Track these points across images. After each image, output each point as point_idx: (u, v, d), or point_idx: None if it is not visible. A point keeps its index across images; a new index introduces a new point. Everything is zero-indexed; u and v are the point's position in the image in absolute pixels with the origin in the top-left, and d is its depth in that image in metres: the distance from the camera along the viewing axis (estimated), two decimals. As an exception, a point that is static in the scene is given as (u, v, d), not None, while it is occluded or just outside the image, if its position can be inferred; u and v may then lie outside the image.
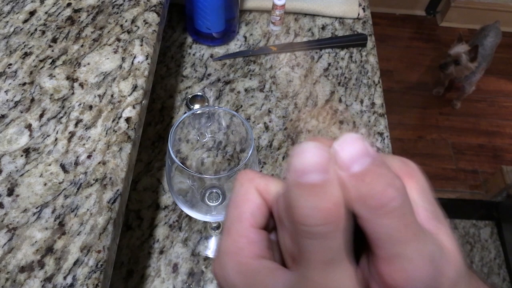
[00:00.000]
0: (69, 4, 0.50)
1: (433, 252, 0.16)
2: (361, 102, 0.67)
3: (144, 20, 0.50)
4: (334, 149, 0.16)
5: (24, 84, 0.43)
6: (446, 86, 1.87)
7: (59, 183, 0.38)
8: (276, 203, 0.19)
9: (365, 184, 0.15)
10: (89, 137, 0.41)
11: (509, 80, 1.98)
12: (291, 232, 0.17)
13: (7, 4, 0.49)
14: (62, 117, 0.42)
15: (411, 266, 0.15)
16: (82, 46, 0.47)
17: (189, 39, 0.72)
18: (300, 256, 0.16)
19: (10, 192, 0.36)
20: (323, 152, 0.15)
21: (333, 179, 0.15)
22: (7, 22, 0.48)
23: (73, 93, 0.43)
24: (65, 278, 0.33)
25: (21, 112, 0.41)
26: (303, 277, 0.16)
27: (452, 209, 1.57)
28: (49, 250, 0.34)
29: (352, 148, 0.15)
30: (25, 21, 0.48)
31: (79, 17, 0.49)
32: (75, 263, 0.34)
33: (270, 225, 0.20)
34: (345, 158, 0.15)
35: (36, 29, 0.47)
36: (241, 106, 0.65)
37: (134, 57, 0.47)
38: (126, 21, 0.50)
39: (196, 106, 0.63)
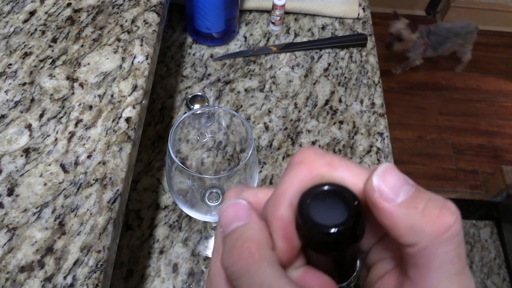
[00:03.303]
0: (69, 4, 0.50)
1: None
2: (361, 102, 0.67)
3: (144, 20, 0.50)
4: (374, 183, 0.15)
5: (24, 84, 0.43)
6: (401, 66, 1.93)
7: (59, 183, 0.38)
8: (264, 208, 0.19)
9: (418, 211, 0.14)
10: (89, 137, 0.41)
11: (509, 80, 1.98)
12: None
13: (7, 4, 0.49)
14: (62, 117, 0.42)
15: None
16: (82, 46, 0.47)
17: (189, 39, 0.72)
18: None
19: (10, 192, 0.36)
20: (238, 205, 0.17)
21: (252, 222, 0.17)
22: (7, 22, 0.48)
23: (73, 93, 0.43)
24: (65, 278, 0.33)
25: (21, 112, 0.41)
26: None
27: (452, 209, 1.57)
28: (49, 250, 0.34)
29: (392, 178, 0.15)
30: (25, 21, 0.48)
31: (79, 17, 0.49)
32: (75, 263, 0.34)
33: None
34: (389, 189, 0.15)
35: (36, 29, 0.47)
36: (241, 106, 0.65)
37: (134, 57, 0.47)
38: (126, 21, 0.50)
39: (196, 106, 0.63)
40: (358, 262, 0.19)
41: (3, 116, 0.41)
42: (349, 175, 0.17)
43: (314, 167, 0.17)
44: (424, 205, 0.15)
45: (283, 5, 0.71)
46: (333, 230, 0.16)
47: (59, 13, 0.49)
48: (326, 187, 0.17)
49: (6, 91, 0.42)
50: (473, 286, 0.15)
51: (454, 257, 0.14)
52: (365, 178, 0.16)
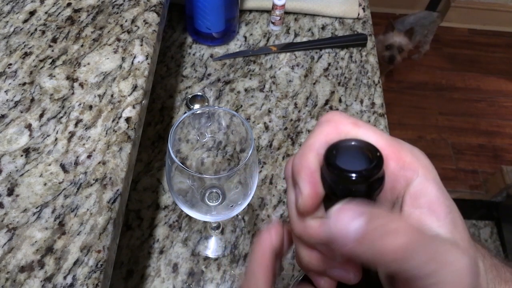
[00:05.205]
0: (69, 4, 0.50)
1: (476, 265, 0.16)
2: (361, 102, 0.67)
3: (144, 20, 0.50)
4: (328, 235, 0.17)
5: (24, 84, 0.43)
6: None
7: (59, 183, 0.38)
8: (287, 171, 0.21)
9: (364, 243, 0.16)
10: (89, 137, 0.41)
11: (509, 80, 1.98)
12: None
13: (7, 4, 0.49)
14: (62, 117, 0.42)
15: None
16: (82, 46, 0.47)
17: (189, 39, 0.72)
18: None
19: (10, 192, 0.36)
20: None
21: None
22: (7, 22, 0.48)
23: (73, 93, 0.43)
24: (65, 278, 0.33)
25: (21, 112, 0.41)
26: None
27: (452, 209, 1.57)
28: (49, 250, 0.34)
29: (341, 223, 0.16)
30: (25, 21, 0.48)
31: (79, 17, 0.49)
32: (75, 263, 0.34)
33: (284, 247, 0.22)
34: (340, 237, 0.16)
35: (36, 29, 0.47)
36: (241, 106, 0.65)
37: (134, 57, 0.47)
38: (126, 21, 0.50)
39: (196, 106, 0.63)
40: None
41: (3, 116, 0.41)
42: (372, 133, 0.19)
43: (340, 124, 0.19)
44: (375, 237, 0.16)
45: (283, 5, 0.71)
46: (356, 175, 0.17)
47: (59, 13, 0.49)
48: (351, 141, 0.19)
49: (6, 91, 0.42)
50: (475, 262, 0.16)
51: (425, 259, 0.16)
52: (386, 138, 0.19)
